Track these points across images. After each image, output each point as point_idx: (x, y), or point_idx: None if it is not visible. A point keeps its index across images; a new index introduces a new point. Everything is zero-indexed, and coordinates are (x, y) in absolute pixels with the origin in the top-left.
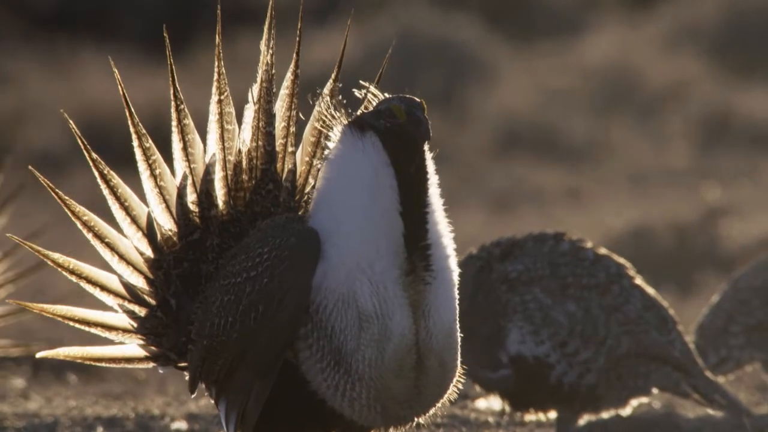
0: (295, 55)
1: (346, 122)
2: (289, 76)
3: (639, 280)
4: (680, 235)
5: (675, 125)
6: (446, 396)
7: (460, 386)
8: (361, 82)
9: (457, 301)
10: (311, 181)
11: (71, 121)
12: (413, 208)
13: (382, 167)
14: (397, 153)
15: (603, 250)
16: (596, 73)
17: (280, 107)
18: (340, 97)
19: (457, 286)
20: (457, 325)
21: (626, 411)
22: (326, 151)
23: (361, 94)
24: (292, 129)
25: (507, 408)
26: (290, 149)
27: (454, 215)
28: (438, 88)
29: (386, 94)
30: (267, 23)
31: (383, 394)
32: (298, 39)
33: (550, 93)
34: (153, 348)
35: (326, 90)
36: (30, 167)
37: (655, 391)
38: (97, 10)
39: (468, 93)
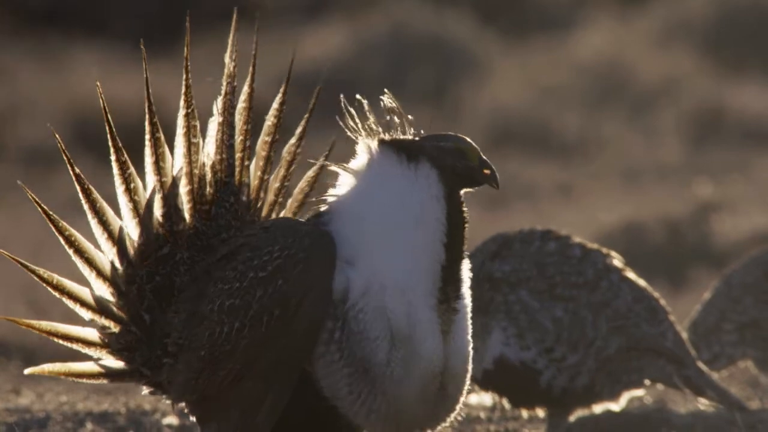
0: (251, 68)
1: (389, 140)
2: (245, 89)
3: (628, 272)
4: (672, 230)
5: (667, 121)
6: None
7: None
8: (386, 96)
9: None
10: (262, 195)
11: (57, 135)
12: (455, 242)
13: (431, 200)
14: (454, 191)
15: (590, 244)
16: (588, 69)
17: (237, 120)
18: (368, 105)
19: (470, 314)
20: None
21: (618, 405)
22: (353, 162)
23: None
24: (248, 143)
25: (503, 403)
26: (246, 163)
27: None
28: (430, 84)
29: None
30: (231, 36)
31: (402, 415)
32: (254, 52)
33: (543, 89)
34: (126, 364)
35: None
36: (19, 182)
37: (647, 383)
38: (88, 4)
39: (460, 89)
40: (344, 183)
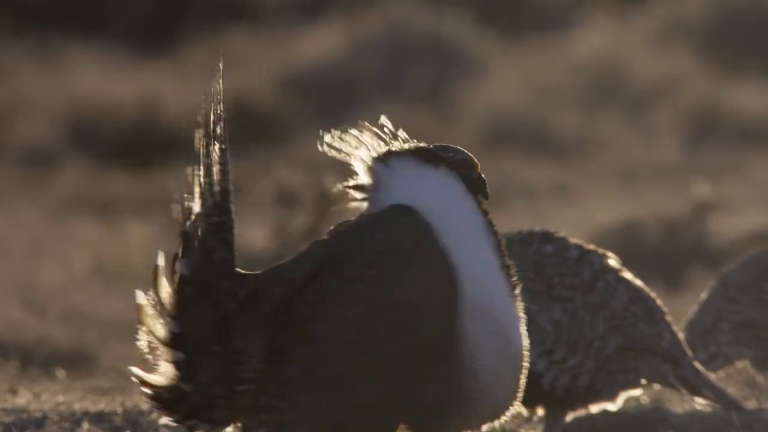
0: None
1: (411, 148)
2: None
3: (625, 273)
4: (669, 230)
5: (664, 121)
6: None
7: None
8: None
9: None
10: None
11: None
12: (495, 231)
13: (464, 194)
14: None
15: (588, 245)
16: (586, 69)
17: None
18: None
19: None
20: None
21: (615, 405)
22: (381, 165)
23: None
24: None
25: None
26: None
27: None
28: (428, 83)
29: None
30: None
31: (499, 412)
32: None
33: (540, 89)
34: (181, 408)
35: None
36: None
37: (644, 383)
38: (87, 4)
39: (458, 89)
40: (376, 197)
